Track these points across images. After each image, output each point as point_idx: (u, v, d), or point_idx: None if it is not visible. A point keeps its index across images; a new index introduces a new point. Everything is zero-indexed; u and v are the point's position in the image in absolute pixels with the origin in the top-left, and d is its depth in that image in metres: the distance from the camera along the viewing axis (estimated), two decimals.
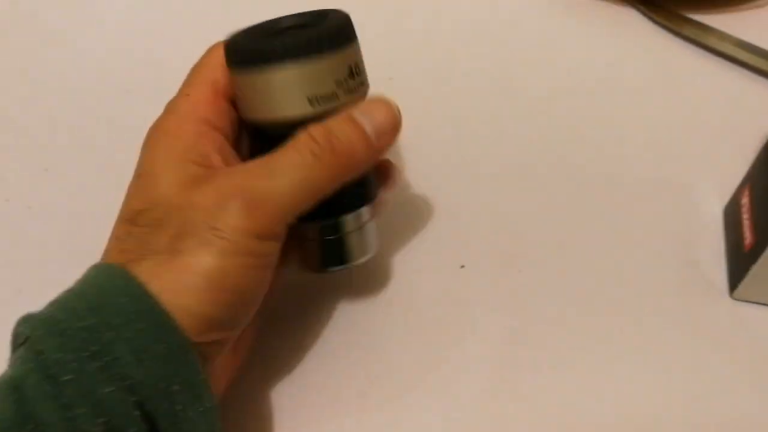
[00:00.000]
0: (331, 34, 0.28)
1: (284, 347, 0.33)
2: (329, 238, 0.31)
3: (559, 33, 0.47)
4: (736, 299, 0.35)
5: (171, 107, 0.30)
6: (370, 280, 0.36)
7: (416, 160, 0.40)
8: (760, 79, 0.44)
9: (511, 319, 0.34)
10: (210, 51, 0.31)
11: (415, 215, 0.38)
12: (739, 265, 0.35)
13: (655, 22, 0.47)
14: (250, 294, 0.27)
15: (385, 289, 0.36)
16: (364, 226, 0.32)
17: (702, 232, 0.38)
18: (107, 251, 0.27)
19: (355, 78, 0.29)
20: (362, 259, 0.32)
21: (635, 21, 0.48)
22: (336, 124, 0.28)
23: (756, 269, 0.33)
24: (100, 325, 0.24)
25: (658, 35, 0.47)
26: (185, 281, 0.25)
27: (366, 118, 0.29)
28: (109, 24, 0.49)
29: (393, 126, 0.30)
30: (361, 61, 0.30)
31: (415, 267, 0.36)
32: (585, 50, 0.46)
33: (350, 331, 0.34)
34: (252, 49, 0.28)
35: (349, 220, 0.31)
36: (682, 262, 0.37)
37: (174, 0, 0.50)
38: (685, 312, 0.35)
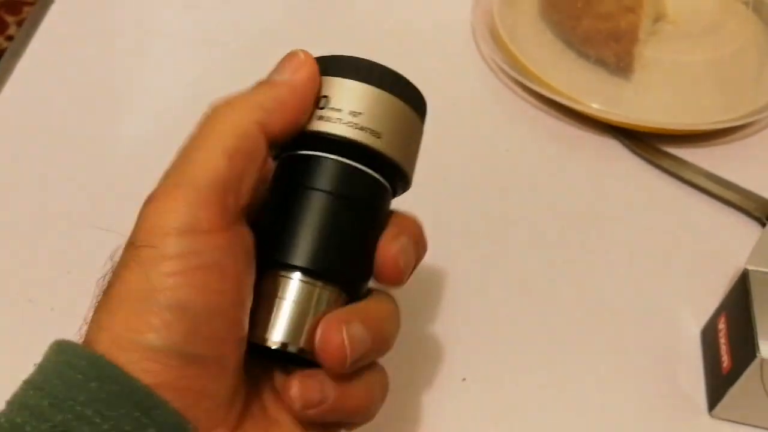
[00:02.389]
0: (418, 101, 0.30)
1: None
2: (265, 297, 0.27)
3: (546, 161, 0.51)
4: (715, 417, 0.38)
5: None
6: None
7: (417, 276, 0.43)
8: (731, 210, 0.49)
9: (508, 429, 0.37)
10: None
11: (417, 325, 0.41)
12: (717, 386, 0.38)
13: (636, 154, 0.52)
14: (192, 306, 0.24)
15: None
16: (301, 302, 0.27)
17: (681, 353, 0.41)
18: None
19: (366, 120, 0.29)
20: (269, 340, 0.27)
21: (617, 152, 0.52)
22: None
23: (734, 391, 0.36)
24: (71, 422, 0.22)
25: (638, 166, 0.51)
26: (118, 312, 0.24)
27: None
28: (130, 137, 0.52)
29: None
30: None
31: (416, 379, 0.39)
32: (570, 178, 0.50)
33: None
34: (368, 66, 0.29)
35: (287, 279, 0.27)
36: (664, 381, 0.40)
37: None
38: (666, 429, 0.38)
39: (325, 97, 0.28)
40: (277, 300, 0.27)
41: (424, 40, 0.59)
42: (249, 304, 0.26)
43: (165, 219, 0.24)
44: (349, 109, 0.28)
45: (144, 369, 0.23)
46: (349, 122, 0.28)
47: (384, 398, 0.29)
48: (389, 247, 0.28)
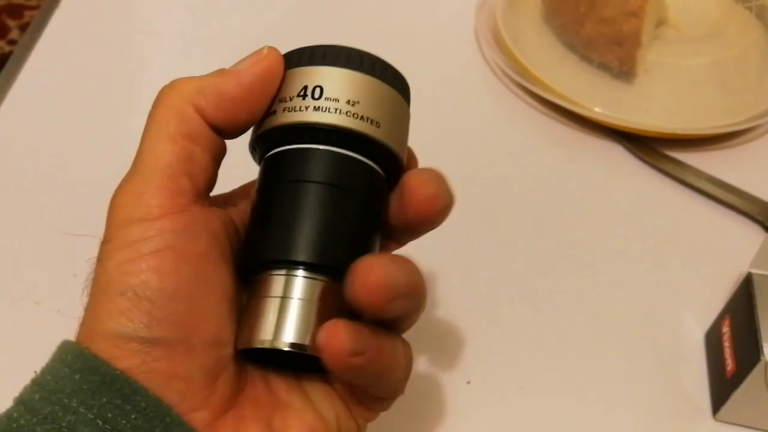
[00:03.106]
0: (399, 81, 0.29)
1: None
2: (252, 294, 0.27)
3: (549, 165, 0.52)
4: (719, 421, 0.38)
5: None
6: None
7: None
8: (734, 215, 0.49)
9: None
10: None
11: (421, 329, 0.41)
12: (721, 389, 0.38)
13: (639, 158, 0.52)
14: (149, 292, 0.24)
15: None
16: (299, 302, 0.26)
17: (685, 357, 0.41)
18: None
19: (348, 105, 0.28)
20: (263, 341, 0.26)
21: (620, 156, 0.52)
22: None
23: (738, 395, 0.36)
24: (58, 413, 0.23)
25: (641, 170, 0.51)
26: (92, 304, 0.25)
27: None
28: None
29: None
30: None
31: (421, 382, 0.39)
32: (573, 182, 0.51)
33: None
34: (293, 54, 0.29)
35: (280, 278, 0.26)
36: (668, 385, 0.40)
37: None
38: (671, 431, 0.38)
39: (319, 87, 0.27)
40: (279, 299, 0.26)
41: (428, 44, 0.59)
42: (216, 283, 0.26)
43: (118, 212, 0.25)
44: (345, 99, 0.27)
45: (111, 356, 0.24)
46: (348, 111, 0.27)
47: (409, 369, 0.28)
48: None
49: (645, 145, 0.52)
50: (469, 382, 0.39)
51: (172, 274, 0.25)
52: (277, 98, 0.28)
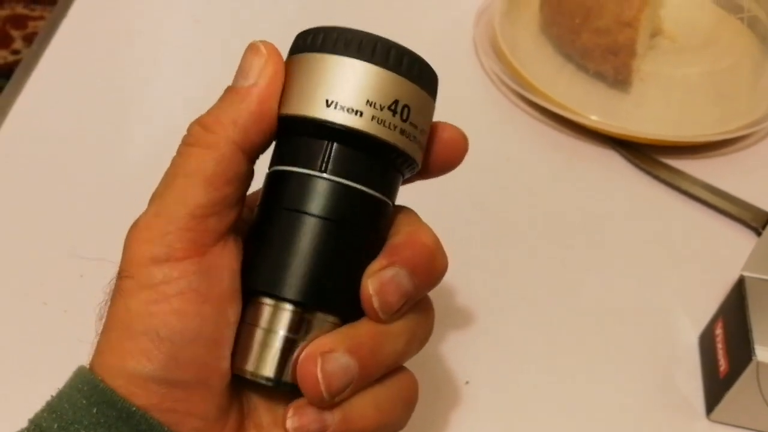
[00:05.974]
0: (395, 54, 0.26)
1: None
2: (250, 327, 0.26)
3: (546, 172, 0.53)
4: (713, 421, 0.39)
5: None
6: None
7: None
8: (728, 220, 0.50)
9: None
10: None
11: None
12: (715, 390, 0.39)
13: (634, 165, 0.53)
14: (169, 333, 0.24)
15: None
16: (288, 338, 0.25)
17: (680, 358, 0.42)
18: None
19: (402, 121, 0.26)
20: (256, 373, 0.26)
21: (616, 163, 0.53)
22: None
23: (731, 395, 0.37)
24: None
25: (636, 177, 0.52)
26: (110, 340, 0.25)
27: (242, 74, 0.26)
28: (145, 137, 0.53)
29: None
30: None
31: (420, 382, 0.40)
32: (569, 189, 0.52)
33: None
34: (306, 35, 0.26)
35: (271, 309, 0.26)
36: (662, 386, 0.41)
37: None
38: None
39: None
40: (264, 331, 0.26)
41: (427, 53, 0.59)
42: (234, 322, 0.26)
43: (143, 249, 0.25)
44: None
45: (129, 393, 0.24)
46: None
47: (411, 406, 0.28)
48: (366, 281, 0.26)
49: (640, 153, 0.53)
50: (467, 382, 0.40)
51: (195, 316, 0.24)
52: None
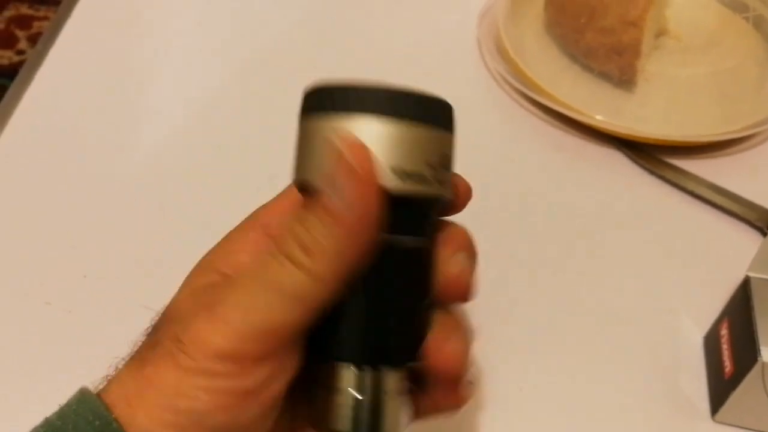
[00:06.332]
0: (435, 107, 0.25)
1: None
2: (332, 388, 0.26)
3: (550, 172, 0.52)
4: (718, 422, 0.39)
5: (251, 215, 0.28)
6: None
7: None
8: (733, 220, 0.49)
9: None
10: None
11: None
12: (720, 391, 0.39)
13: (639, 165, 0.53)
14: (211, 422, 0.23)
15: None
16: (384, 394, 0.26)
17: (685, 359, 0.42)
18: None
19: (446, 171, 0.26)
20: None
21: (620, 163, 0.53)
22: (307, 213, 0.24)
23: (736, 396, 0.37)
24: None
25: (640, 177, 0.52)
26: (142, 396, 0.23)
27: (334, 192, 0.24)
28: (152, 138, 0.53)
29: (361, 197, 0.24)
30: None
31: None
32: (574, 189, 0.51)
33: None
34: (339, 93, 0.24)
35: (351, 373, 0.25)
36: (667, 386, 0.41)
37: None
38: None
39: (402, 150, 0.24)
40: (341, 391, 0.25)
41: (431, 53, 0.60)
42: (275, 414, 0.25)
43: (208, 337, 0.23)
44: (435, 162, 0.25)
45: None
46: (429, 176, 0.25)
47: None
48: (450, 269, 0.28)
49: (645, 153, 0.53)
50: (470, 382, 0.39)
51: (242, 414, 0.24)
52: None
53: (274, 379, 0.24)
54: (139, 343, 0.26)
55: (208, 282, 0.26)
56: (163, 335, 0.24)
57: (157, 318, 0.27)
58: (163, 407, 0.23)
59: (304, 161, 0.25)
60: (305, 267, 0.24)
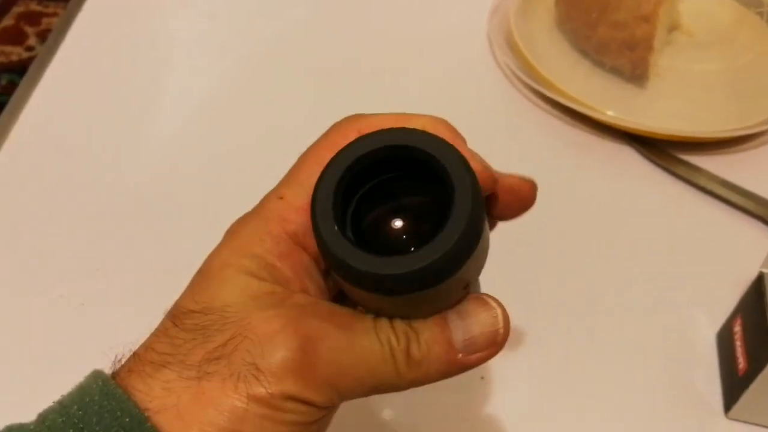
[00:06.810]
0: (459, 250, 0.23)
1: None
2: None
3: (562, 168, 0.52)
4: (731, 419, 0.39)
5: (261, 206, 0.26)
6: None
7: None
8: (745, 217, 0.49)
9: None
10: (315, 147, 0.26)
11: None
12: (733, 387, 0.38)
13: (650, 161, 0.52)
14: None
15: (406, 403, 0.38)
16: None
17: (698, 356, 0.41)
18: (142, 344, 0.25)
19: (469, 288, 0.27)
20: None
21: (632, 159, 0.53)
22: (422, 325, 0.25)
23: (749, 393, 0.37)
24: None
25: (652, 173, 0.52)
26: (198, 413, 0.22)
27: (460, 325, 0.25)
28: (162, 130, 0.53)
29: (491, 342, 0.25)
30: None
31: None
32: (585, 185, 0.51)
33: None
34: (358, 274, 0.22)
35: None
36: (680, 383, 0.40)
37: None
38: (683, 430, 0.39)
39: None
40: None
41: (442, 49, 0.60)
42: None
43: (294, 388, 0.23)
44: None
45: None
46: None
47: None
48: (505, 179, 0.30)
49: (657, 148, 0.53)
50: (482, 378, 0.39)
51: None
52: None
53: (330, 416, 0.25)
54: (154, 337, 0.24)
55: (262, 289, 0.24)
56: (232, 352, 0.23)
57: (179, 312, 0.24)
58: (220, 428, 0.22)
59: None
60: (402, 374, 0.24)
